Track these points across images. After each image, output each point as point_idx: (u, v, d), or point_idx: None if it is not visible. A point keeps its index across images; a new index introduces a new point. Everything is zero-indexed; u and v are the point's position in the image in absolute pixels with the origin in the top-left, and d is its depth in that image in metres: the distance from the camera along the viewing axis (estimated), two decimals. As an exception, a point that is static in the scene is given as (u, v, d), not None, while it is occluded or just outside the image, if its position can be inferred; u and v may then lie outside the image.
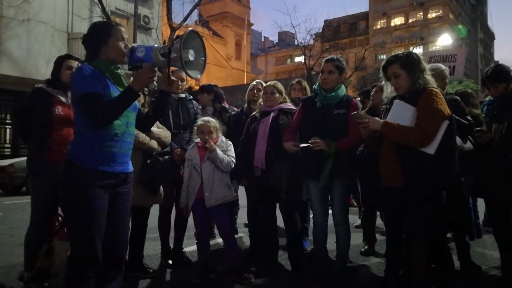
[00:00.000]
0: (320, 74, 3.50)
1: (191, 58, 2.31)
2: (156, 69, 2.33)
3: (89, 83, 2.23)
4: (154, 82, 2.31)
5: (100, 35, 2.37)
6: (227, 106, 4.83)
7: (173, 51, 2.20)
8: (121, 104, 2.27)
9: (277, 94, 3.87)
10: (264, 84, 4.43)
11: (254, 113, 4.03)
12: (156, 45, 2.35)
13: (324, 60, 3.50)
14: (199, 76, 2.40)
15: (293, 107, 3.91)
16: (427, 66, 3.00)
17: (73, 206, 2.28)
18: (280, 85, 3.98)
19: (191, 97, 4.17)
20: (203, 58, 2.42)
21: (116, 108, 2.26)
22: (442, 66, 3.88)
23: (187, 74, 2.31)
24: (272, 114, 3.80)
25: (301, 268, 3.74)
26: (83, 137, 2.31)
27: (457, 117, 3.22)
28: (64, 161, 2.32)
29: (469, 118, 3.58)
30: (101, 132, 2.27)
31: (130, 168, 2.48)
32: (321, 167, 3.28)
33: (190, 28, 2.46)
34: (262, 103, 3.97)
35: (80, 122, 2.33)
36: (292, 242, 3.85)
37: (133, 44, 2.37)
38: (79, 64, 2.32)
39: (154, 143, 3.56)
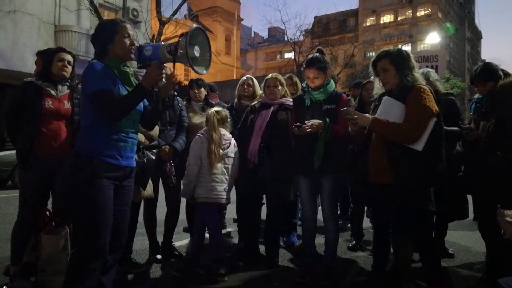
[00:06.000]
0: (306, 78, 3.46)
1: (196, 54, 2.36)
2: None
3: (100, 80, 2.29)
4: (163, 80, 2.37)
5: (107, 33, 2.43)
6: (214, 102, 4.80)
7: (179, 48, 2.26)
8: (132, 101, 2.35)
9: (280, 87, 3.86)
10: (254, 80, 4.43)
11: (254, 103, 3.99)
12: (162, 43, 2.41)
13: (305, 64, 3.46)
14: (204, 71, 2.45)
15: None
16: (416, 64, 3.03)
17: (82, 197, 2.29)
18: (281, 77, 3.95)
19: (175, 93, 4.14)
20: (208, 54, 2.48)
21: (127, 105, 2.34)
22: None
23: (193, 70, 2.35)
24: (272, 108, 3.78)
25: (275, 266, 3.74)
26: (91, 130, 2.35)
27: (449, 128, 3.30)
28: (72, 154, 2.38)
29: (460, 122, 3.63)
30: (108, 126, 2.32)
31: (134, 163, 2.55)
32: (312, 156, 3.26)
33: (195, 25, 2.52)
34: (263, 95, 3.94)
35: (88, 116, 2.38)
36: (268, 241, 3.86)
37: (140, 43, 2.43)
38: (92, 61, 2.37)
39: (141, 136, 3.51)
